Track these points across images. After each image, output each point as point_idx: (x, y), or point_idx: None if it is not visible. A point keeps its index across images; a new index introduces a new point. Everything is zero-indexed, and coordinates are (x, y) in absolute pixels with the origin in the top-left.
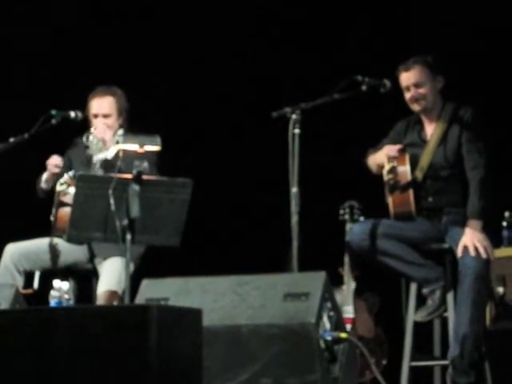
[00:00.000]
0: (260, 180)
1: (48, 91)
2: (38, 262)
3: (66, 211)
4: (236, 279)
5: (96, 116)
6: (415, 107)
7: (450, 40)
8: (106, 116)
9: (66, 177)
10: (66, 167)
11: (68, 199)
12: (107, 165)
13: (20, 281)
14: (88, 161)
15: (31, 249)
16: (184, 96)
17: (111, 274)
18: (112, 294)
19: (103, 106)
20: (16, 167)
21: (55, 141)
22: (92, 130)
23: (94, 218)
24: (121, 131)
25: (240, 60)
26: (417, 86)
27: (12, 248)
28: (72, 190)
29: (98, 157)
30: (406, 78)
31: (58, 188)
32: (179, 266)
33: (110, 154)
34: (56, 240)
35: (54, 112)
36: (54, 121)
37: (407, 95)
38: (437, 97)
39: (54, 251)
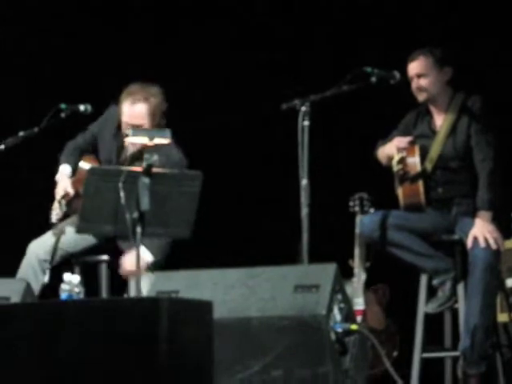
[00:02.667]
0: (270, 172)
1: (58, 84)
2: (62, 253)
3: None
4: (246, 271)
5: (127, 123)
6: (419, 97)
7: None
8: (137, 126)
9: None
10: (88, 143)
11: None
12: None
13: (41, 276)
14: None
15: (50, 243)
16: (193, 87)
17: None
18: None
19: (133, 116)
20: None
21: (66, 134)
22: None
23: (104, 210)
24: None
25: (248, 51)
26: (419, 76)
27: (36, 246)
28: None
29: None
30: (411, 68)
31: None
32: (190, 258)
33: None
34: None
35: (63, 105)
36: (63, 114)
37: (412, 85)
38: (444, 88)
39: (71, 236)
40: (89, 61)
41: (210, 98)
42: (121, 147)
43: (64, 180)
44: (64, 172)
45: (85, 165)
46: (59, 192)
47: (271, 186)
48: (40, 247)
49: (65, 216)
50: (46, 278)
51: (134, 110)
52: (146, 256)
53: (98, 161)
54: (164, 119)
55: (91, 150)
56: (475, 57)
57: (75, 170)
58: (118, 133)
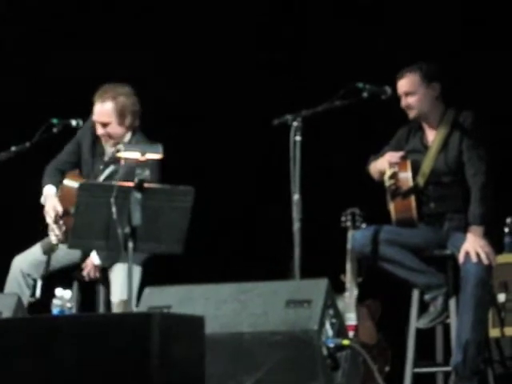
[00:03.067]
0: (262, 187)
1: (49, 99)
2: (44, 269)
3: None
4: (238, 286)
5: (97, 125)
6: (409, 115)
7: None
8: (104, 125)
9: None
10: (73, 153)
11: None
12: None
13: (27, 289)
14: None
15: (38, 257)
16: (184, 103)
17: (122, 284)
18: (124, 303)
19: (101, 113)
20: (18, 176)
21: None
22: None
23: (96, 226)
24: (129, 135)
25: (240, 67)
26: (407, 94)
27: (20, 261)
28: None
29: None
30: (399, 86)
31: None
32: (181, 273)
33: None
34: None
35: (55, 120)
36: (55, 129)
37: (401, 103)
38: (433, 103)
39: (56, 252)
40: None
41: (201, 113)
42: (98, 156)
43: (51, 199)
44: (49, 192)
45: (69, 182)
46: (50, 213)
47: (263, 201)
48: (24, 261)
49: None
50: (38, 293)
51: (102, 107)
52: (95, 260)
53: (81, 176)
54: (137, 121)
55: (73, 166)
56: (466, 70)
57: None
58: (95, 143)
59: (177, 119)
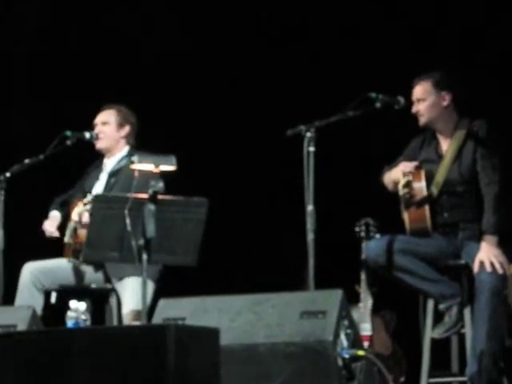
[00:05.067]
0: (276, 198)
1: (63, 112)
2: (57, 281)
3: (84, 232)
4: (253, 298)
5: (95, 126)
6: (419, 122)
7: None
8: (103, 123)
9: (89, 198)
10: (80, 187)
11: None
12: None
13: (39, 299)
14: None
15: (50, 267)
16: (198, 114)
17: (136, 294)
18: (136, 314)
19: (102, 115)
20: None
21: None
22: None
23: (110, 237)
24: (127, 148)
25: (254, 77)
26: (418, 100)
27: (30, 266)
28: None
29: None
30: (413, 92)
31: (81, 209)
32: (196, 285)
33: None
34: (73, 260)
35: (68, 133)
36: (68, 142)
37: (412, 110)
38: (443, 112)
39: (73, 270)
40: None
41: (214, 124)
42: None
43: (51, 219)
44: (53, 215)
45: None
46: (49, 229)
47: (277, 213)
48: (35, 268)
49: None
50: (54, 300)
51: (105, 111)
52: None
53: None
54: (133, 139)
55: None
56: (480, 81)
57: (64, 216)
58: (99, 167)
59: (189, 130)
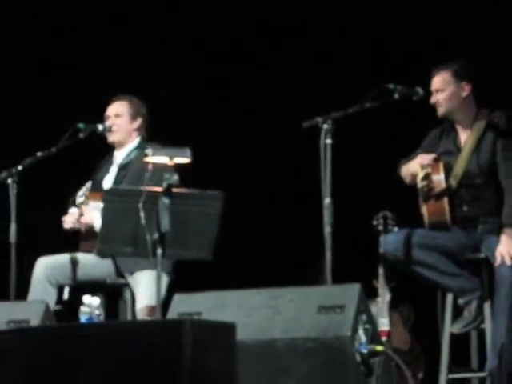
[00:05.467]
0: (292, 191)
1: (75, 103)
2: (69, 276)
3: (90, 225)
4: (269, 292)
5: (108, 118)
6: (437, 112)
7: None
8: (116, 116)
9: (84, 189)
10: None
11: (88, 211)
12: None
13: (53, 293)
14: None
15: (63, 262)
16: (212, 105)
17: (149, 288)
18: (152, 309)
19: (114, 107)
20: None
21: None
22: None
23: (124, 232)
24: (138, 139)
25: (270, 68)
26: (437, 92)
27: (44, 261)
28: (92, 203)
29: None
30: (432, 83)
31: (78, 200)
32: (211, 279)
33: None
34: (84, 255)
35: (80, 125)
36: (81, 134)
37: (431, 100)
38: (462, 103)
39: (84, 265)
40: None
41: (228, 116)
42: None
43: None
44: (72, 211)
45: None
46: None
47: (294, 205)
48: (48, 263)
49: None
50: (66, 296)
51: (117, 103)
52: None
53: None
54: (145, 131)
55: None
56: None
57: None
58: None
59: (203, 122)
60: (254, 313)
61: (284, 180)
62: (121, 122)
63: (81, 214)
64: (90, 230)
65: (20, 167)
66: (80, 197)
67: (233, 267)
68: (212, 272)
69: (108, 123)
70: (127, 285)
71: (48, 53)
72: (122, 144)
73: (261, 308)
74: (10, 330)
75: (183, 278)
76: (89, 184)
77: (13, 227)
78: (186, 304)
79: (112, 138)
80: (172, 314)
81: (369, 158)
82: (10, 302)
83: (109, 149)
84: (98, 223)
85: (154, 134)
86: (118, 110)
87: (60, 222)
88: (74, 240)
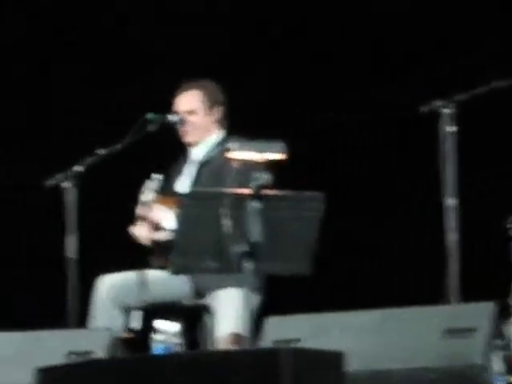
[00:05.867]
0: (406, 190)
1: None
2: (139, 297)
3: (162, 235)
4: (382, 313)
5: (177, 114)
6: None
7: None
8: (189, 112)
9: (150, 184)
10: None
11: (157, 208)
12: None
13: (119, 318)
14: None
15: (131, 280)
16: (305, 89)
17: (232, 312)
18: (235, 337)
19: (185, 101)
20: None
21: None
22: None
23: (205, 243)
24: (219, 132)
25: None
26: None
27: (108, 280)
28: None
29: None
30: None
31: (145, 197)
32: (311, 298)
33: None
34: (155, 271)
35: (150, 116)
36: (151, 127)
37: None
38: None
39: (155, 283)
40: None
41: (324, 102)
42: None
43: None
44: None
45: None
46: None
47: (408, 208)
48: (113, 282)
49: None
50: (136, 324)
51: (187, 94)
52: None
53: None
54: (226, 120)
55: None
56: None
57: None
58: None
59: (296, 110)
60: (363, 338)
61: (395, 177)
62: (195, 119)
63: (146, 214)
64: (158, 228)
65: (80, 168)
66: (146, 193)
67: (336, 283)
68: (310, 289)
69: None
70: (207, 307)
71: (48, 53)
72: (199, 142)
73: (371, 332)
74: (71, 364)
75: (276, 298)
76: (156, 177)
77: (71, 240)
78: (281, 329)
79: (187, 138)
80: (265, 341)
81: (498, 149)
82: (68, 329)
83: (182, 144)
84: (168, 225)
85: (240, 126)
86: (189, 104)
87: (125, 233)
88: (143, 254)
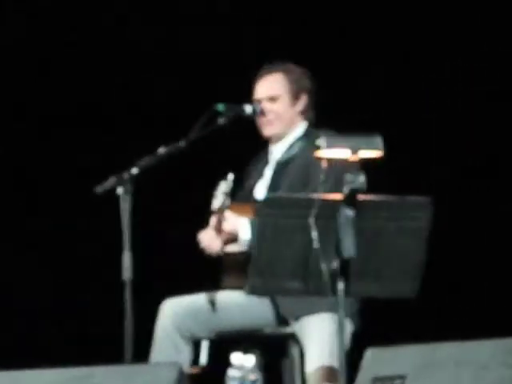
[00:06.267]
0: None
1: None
2: (209, 325)
3: (235, 250)
4: (505, 344)
5: (259, 102)
6: None
7: None
8: (272, 99)
9: (223, 186)
10: None
11: (232, 216)
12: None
13: (186, 351)
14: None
15: (199, 305)
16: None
17: (323, 342)
18: (328, 372)
19: (267, 86)
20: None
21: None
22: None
23: (288, 259)
24: (303, 125)
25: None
26: None
27: (172, 306)
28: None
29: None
30: None
31: (217, 202)
32: (417, 326)
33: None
34: (229, 293)
35: (221, 107)
36: (221, 120)
37: None
38: None
39: (229, 308)
40: None
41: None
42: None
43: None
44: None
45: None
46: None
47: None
48: (179, 309)
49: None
50: (204, 359)
51: (269, 79)
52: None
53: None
54: (313, 112)
55: None
56: None
57: None
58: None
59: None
60: (485, 374)
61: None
62: (279, 107)
63: (219, 222)
64: (232, 240)
65: (135, 170)
66: (218, 197)
67: (448, 307)
68: (417, 314)
69: (262, 114)
70: (293, 336)
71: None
72: (281, 137)
73: (495, 367)
74: None
75: (374, 324)
76: (230, 178)
77: (127, 257)
78: (382, 363)
79: (269, 131)
80: (364, 378)
81: None
82: (126, 364)
83: (262, 141)
84: (245, 234)
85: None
86: (272, 89)
87: (191, 247)
88: (214, 272)
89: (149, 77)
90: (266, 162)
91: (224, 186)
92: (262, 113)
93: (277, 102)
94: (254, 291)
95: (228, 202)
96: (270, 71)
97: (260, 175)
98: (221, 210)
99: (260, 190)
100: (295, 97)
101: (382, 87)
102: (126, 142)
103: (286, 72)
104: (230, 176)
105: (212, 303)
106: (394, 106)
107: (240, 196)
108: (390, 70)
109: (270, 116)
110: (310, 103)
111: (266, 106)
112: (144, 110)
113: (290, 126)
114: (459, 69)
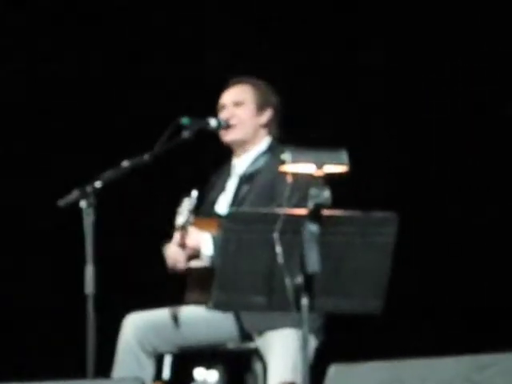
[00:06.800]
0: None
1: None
2: (172, 340)
3: (199, 265)
4: (471, 361)
5: (223, 108)
6: None
7: None
8: (237, 104)
9: (186, 203)
10: None
11: (195, 232)
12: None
13: (149, 366)
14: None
15: (162, 320)
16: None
17: (286, 358)
18: None
19: (233, 92)
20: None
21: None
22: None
23: (253, 274)
24: (267, 140)
25: None
26: None
27: (135, 320)
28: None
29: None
30: None
31: (180, 219)
32: (381, 342)
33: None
34: (193, 308)
35: (185, 120)
36: (186, 133)
37: None
38: None
39: (192, 324)
40: None
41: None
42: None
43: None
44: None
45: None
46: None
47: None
48: (141, 323)
49: None
50: (167, 374)
51: (237, 88)
52: (205, 249)
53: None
54: (278, 130)
55: None
56: None
57: None
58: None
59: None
60: None
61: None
62: (243, 112)
63: (183, 237)
64: (196, 255)
65: (98, 184)
66: (182, 213)
67: (412, 324)
68: (381, 330)
69: (224, 116)
70: (256, 351)
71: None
72: (244, 145)
73: (460, 383)
74: None
75: (337, 340)
76: (194, 195)
77: (89, 271)
78: (346, 380)
79: (230, 135)
80: None
81: None
82: (88, 380)
83: (225, 155)
84: (208, 250)
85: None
86: (238, 96)
87: (155, 262)
88: (176, 287)
89: (112, 90)
90: (228, 175)
91: (188, 203)
92: (227, 126)
93: (241, 108)
94: (217, 306)
95: (192, 218)
96: (238, 82)
97: (222, 189)
98: (184, 228)
99: (222, 204)
100: (260, 108)
101: (382, 87)
102: (90, 155)
103: (254, 85)
104: (194, 193)
105: (175, 318)
106: (394, 106)
107: (202, 210)
108: (390, 69)
109: (233, 121)
110: (275, 120)
111: (230, 110)
112: (108, 122)
113: (253, 137)
114: (459, 69)
